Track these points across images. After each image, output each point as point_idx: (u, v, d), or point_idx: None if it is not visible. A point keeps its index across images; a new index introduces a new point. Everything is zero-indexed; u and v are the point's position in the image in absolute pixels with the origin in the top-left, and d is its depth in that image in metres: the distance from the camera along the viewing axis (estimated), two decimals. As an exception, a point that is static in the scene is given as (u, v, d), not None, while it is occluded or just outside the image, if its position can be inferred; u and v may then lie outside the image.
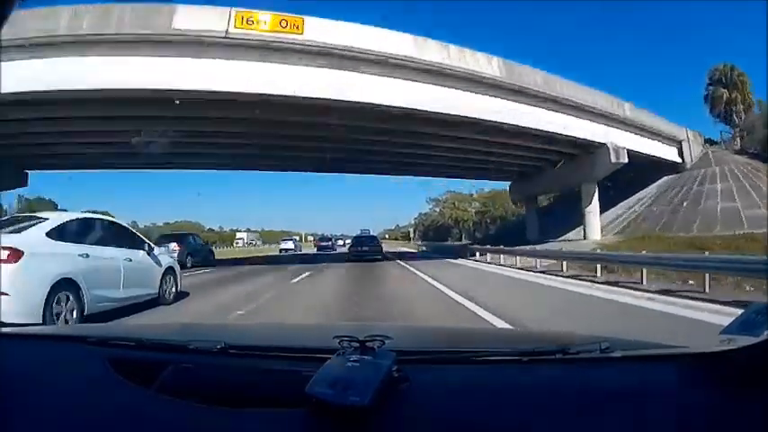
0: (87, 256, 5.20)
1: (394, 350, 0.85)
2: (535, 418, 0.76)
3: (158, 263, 6.71)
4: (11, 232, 4.82)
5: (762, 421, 0.71)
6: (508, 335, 2.28)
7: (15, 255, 4.42)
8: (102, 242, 5.66)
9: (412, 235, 68.52)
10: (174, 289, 7.10)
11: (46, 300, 4.51)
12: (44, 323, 4.34)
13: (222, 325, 3.16)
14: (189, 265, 15.02)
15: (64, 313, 4.72)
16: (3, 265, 4.26)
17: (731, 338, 0.81)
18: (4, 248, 4.37)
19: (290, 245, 39.82)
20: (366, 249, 18.16)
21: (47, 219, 5.25)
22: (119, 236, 6.20)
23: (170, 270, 7.03)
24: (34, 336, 1.30)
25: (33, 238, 4.79)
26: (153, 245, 6.89)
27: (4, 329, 1.29)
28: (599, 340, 0.98)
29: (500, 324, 4.85)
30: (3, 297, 4.08)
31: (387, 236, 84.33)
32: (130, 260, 5.99)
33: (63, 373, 0.98)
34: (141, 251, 6.38)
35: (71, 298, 4.83)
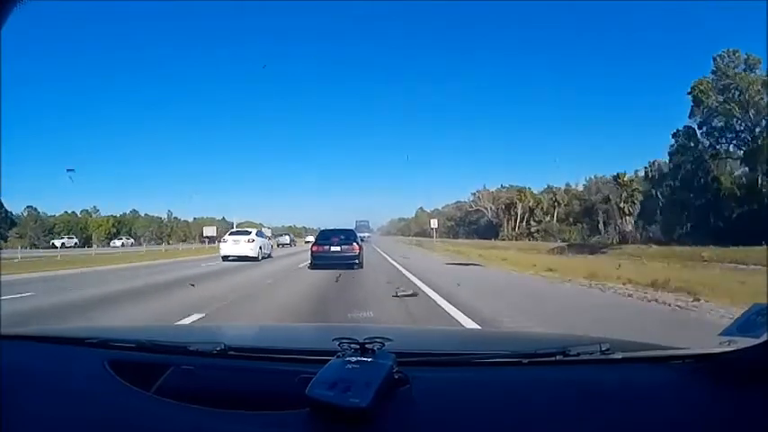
0: (262, 239, 18.56)
1: (394, 352, 0.85)
2: (535, 420, 0.76)
3: (269, 241, 20.22)
4: (244, 234, 18.15)
5: (762, 422, 0.72)
6: (508, 337, 2.21)
7: (253, 242, 17.73)
8: (261, 235, 18.92)
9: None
10: (271, 252, 20.33)
11: (258, 252, 17.84)
12: (257, 258, 17.58)
13: (222, 326, 3.27)
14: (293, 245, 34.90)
15: (262, 255, 17.92)
16: (251, 242, 17.58)
17: (731, 340, 0.83)
18: (251, 239, 17.70)
19: (285, 239, 38.12)
20: (337, 250, 12.17)
21: (252, 231, 18.63)
22: (260, 232, 19.54)
23: (269, 245, 20.49)
24: (34, 336, 1.28)
25: (254, 235, 18.00)
26: (270, 234, 20.58)
27: (5, 330, 1.30)
28: (599, 342, 0.98)
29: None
30: (251, 251, 17.55)
31: (433, 224, 47.29)
32: (263, 240, 19.19)
33: (62, 374, 0.99)
34: (263, 237, 19.65)
35: (263, 252, 18.07)
